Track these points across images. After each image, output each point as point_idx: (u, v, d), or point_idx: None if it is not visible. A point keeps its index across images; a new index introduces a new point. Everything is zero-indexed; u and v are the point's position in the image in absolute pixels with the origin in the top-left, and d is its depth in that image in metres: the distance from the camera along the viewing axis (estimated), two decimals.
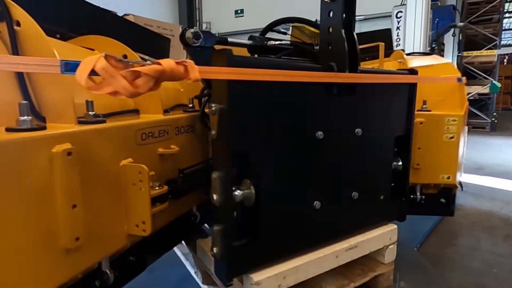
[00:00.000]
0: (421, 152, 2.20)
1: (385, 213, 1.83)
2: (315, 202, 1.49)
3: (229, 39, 1.79)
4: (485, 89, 8.39)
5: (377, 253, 1.83)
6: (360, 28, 7.70)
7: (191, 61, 1.06)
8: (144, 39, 2.00)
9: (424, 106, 2.22)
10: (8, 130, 1.02)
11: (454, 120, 2.19)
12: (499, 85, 8.18)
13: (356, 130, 1.57)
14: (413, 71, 1.76)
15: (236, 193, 1.29)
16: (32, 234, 0.98)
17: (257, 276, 1.37)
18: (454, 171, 2.23)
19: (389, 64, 2.48)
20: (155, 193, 1.46)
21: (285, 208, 1.42)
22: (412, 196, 2.31)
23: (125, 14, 3.05)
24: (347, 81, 1.42)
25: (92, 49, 1.69)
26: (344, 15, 1.40)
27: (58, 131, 1.09)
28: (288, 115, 1.36)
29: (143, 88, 1.00)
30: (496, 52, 8.71)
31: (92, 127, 1.22)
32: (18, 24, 1.14)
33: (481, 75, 8.96)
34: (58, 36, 1.72)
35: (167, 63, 1.03)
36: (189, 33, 1.64)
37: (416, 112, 2.13)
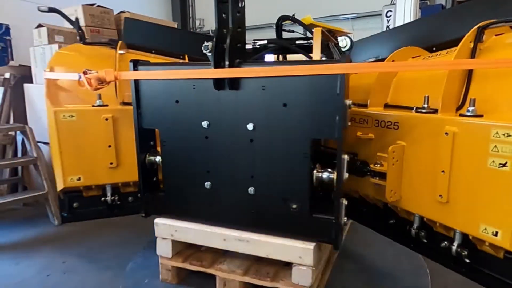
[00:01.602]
0: (445, 179, 1.35)
1: (306, 227, 1.47)
2: (206, 182, 1.64)
3: None
4: None
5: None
6: (352, 25, 7.26)
7: (109, 69, 1.73)
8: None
9: (470, 108, 1.30)
10: (93, 106, 2.16)
11: (508, 136, 1.15)
12: None
13: (247, 124, 1.48)
14: (349, 60, 1.26)
15: (148, 158, 1.80)
16: (96, 155, 2.06)
17: (158, 220, 1.80)
18: (507, 223, 1.18)
19: None
20: None
21: (181, 178, 1.70)
22: (444, 244, 1.45)
23: (121, 12, 3.40)
24: (214, 77, 1.45)
25: None
26: (218, 13, 1.44)
27: (104, 108, 2.13)
28: (181, 106, 1.63)
29: (94, 85, 1.80)
30: None
31: (125, 107, 2.16)
32: None
33: None
34: (181, 57, 2.74)
35: (101, 72, 1.76)
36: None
37: (444, 117, 1.37)
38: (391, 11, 5.79)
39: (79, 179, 2.14)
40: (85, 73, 1.83)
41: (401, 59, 1.77)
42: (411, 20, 4.83)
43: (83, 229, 2.69)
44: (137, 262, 2.08)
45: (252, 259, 1.72)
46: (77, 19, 2.32)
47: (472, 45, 1.42)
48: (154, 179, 1.89)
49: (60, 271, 2.10)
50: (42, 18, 2.97)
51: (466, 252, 1.38)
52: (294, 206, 1.47)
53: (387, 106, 1.74)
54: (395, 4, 5.43)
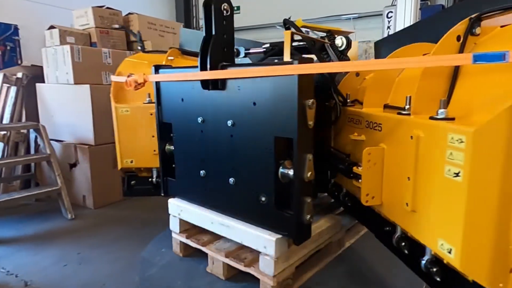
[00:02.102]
0: (410, 186, 1.22)
1: (272, 220, 1.51)
2: (201, 170, 1.83)
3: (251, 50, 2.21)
4: None
5: None
6: (354, 25, 7.46)
7: (141, 74, 2.07)
8: None
9: (439, 110, 1.15)
10: (143, 103, 2.62)
11: (461, 142, 0.99)
12: None
13: (228, 121, 1.61)
14: (305, 60, 1.26)
15: (167, 147, 2.09)
16: (143, 143, 2.53)
17: (171, 200, 2.08)
18: (458, 240, 1.01)
19: None
20: None
21: (186, 166, 1.94)
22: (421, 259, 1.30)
23: (129, 13, 3.21)
24: (195, 79, 1.62)
25: None
26: (206, 20, 1.60)
27: (150, 105, 2.55)
28: (184, 103, 1.87)
29: (132, 85, 2.19)
30: None
31: (142, 105, 2.52)
32: None
33: None
34: None
35: (137, 75, 2.12)
36: None
37: (412, 119, 1.26)
38: (392, 11, 5.65)
39: (131, 161, 2.59)
40: (129, 76, 2.24)
41: (407, 56, 1.62)
42: (411, 21, 4.60)
43: (96, 222, 2.82)
44: (159, 235, 2.41)
45: (239, 243, 1.85)
46: (139, 32, 2.79)
47: (461, 39, 1.24)
48: (173, 165, 2.18)
49: (76, 261, 2.16)
50: (52, 19, 3.03)
51: (435, 269, 1.23)
52: (263, 199, 1.54)
53: (386, 106, 1.62)
54: (395, 5, 5.29)
